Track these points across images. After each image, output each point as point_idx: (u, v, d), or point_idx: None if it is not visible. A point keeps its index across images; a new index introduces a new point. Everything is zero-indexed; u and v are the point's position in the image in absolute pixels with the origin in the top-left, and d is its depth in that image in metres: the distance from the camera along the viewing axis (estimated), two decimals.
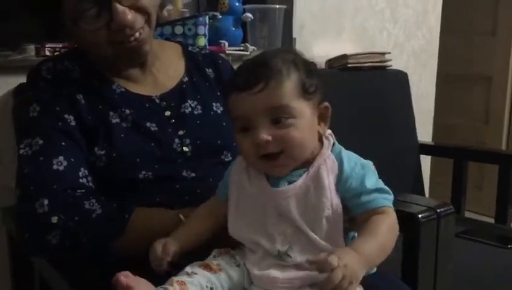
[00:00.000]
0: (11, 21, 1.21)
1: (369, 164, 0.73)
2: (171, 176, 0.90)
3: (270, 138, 0.68)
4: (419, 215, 0.95)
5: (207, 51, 1.14)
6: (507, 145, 2.80)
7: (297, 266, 0.71)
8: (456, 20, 2.72)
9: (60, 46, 1.24)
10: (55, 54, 1.20)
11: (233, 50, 1.56)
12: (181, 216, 0.83)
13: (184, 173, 0.92)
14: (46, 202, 0.80)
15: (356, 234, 0.73)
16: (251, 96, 0.69)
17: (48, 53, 1.24)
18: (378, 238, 0.67)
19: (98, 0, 0.85)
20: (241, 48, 1.61)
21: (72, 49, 1.01)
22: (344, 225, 0.71)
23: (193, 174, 0.92)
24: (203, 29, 1.48)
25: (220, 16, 1.59)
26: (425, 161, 2.14)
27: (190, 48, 1.10)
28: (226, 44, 1.54)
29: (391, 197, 0.71)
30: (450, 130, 2.79)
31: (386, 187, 0.72)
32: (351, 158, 0.72)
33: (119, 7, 0.85)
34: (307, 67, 0.72)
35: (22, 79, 1.17)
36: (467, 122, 2.92)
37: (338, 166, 0.71)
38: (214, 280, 0.72)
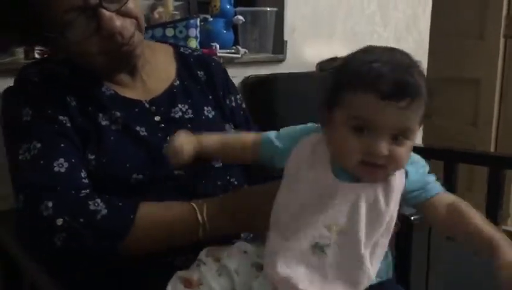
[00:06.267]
0: None
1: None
2: (162, 177, 0.89)
3: (387, 152, 0.67)
4: (412, 218, 0.95)
5: (199, 53, 1.12)
6: (495, 147, 2.82)
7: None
8: (445, 24, 2.74)
9: (49, 48, 1.23)
10: (44, 56, 1.19)
11: (224, 52, 1.56)
12: (194, 205, 0.82)
13: (176, 172, 0.90)
14: (50, 204, 0.79)
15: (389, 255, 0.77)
16: (390, 108, 0.66)
17: (37, 55, 1.23)
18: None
19: (84, 9, 0.83)
20: (233, 50, 1.61)
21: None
22: None
23: (183, 173, 0.91)
24: (194, 32, 1.48)
25: (211, 19, 1.59)
26: None
27: (182, 50, 1.09)
28: (217, 46, 1.54)
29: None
30: (439, 132, 2.81)
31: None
32: (417, 163, 0.75)
33: (106, 13, 0.83)
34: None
35: (11, 82, 1.16)
36: (456, 124, 2.94)
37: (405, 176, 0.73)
38: None
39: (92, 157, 0.87)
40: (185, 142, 0.79)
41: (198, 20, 1.51)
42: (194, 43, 1.47)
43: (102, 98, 0.92)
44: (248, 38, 1.69)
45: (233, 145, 0.82)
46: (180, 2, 1.64)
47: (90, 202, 0.80)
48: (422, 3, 2.18)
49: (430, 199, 0.74)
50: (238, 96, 1.09)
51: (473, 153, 2.05)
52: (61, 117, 0.87)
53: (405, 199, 0.74)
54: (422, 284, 0.99)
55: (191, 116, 0.98)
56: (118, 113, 0.91)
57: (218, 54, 1.53)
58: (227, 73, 1.12)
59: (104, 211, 0.80)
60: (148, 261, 0.83)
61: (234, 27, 1.65)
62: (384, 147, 0.67)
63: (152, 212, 0.83)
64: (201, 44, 1.52)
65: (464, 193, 2.18)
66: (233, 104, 1.07)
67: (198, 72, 1.05)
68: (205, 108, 1.01)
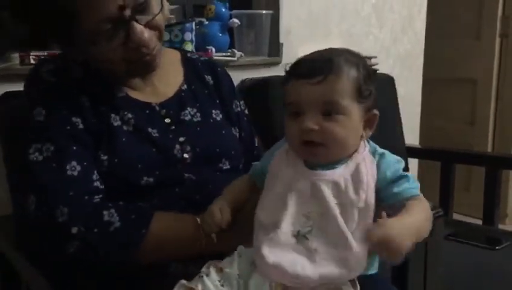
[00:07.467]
0: None
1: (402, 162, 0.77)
2: (171, 179, 0.91)
3: (316, 127, 0.72)
4: None
5: (206, 58, 1.15)
6: (493, 146, 2.83)
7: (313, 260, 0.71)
8: (441, 25, 2.75)
9: (45, 54, 1.23)
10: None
11: (220, 56, 1.56)
12: (198, 220, 0.84)
13: (185, 175, 0.92)
14: (66, 210, 0.80)
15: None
16: (309, 85, 0.73)
17: (32, 61, 1.23)
18: (414, 216, 0.71)
19: (116, 20, 0.85)
20: (228, 53, 1.61)
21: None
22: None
23: (194, 178, 0.93)
24: (189, 35, 1.48)
25: (207, 22, 1.59)
26: (413, 163, 2.15)
27: (189, 55, 1.11)
28: (213, 50, 1.54)
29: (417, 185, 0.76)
30: (437, 132, 2.82)
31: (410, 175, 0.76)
32: (388, 156, 0.77)
33: (138, 26, 0.86)
34: (368, 73, 0.75)
35: (7, 88, 1.16)
36: (453, 124, 2.95)
37: (376, 165, 0.75)
38: None
39: (105, 157, 0.88)
40: (218, 211, 0.82)
41: (194, 23, 1.51)
42: (189, 47, 1.47)
43: (114, 99, 0.94)
44: (244, 41, 1.70)
45: (243, 189, 0.86)
46: (176, 6, 1.64)
47: (105, 212, 0.82)
48: (418, 4, 2.18)
49: (405, 202, 0.73)
50: (241, 102, 1.12)
51: (470, 154, 2.06)
52: (74, 118, 0.88)
53: (381, 197, 0.74)
54: (420, 286, 0.99)
55: (199, 119, 1.00)
56: (130, 115, 0.93)
57: (214, 57, 1.53)
58: (231, 79, 1.14)
59: (118, 224, 0.82)
60: (145, 269, 0.84)
61: (230, 30, 1.65)
62: (311, 122, 0.72)
63: (162, 228, 0.85)
64: (197, 48, 1.52)
65: (461, 193, 2.18)
66: (239, 109, 1.10)
67: (206, 76, 1.07)
68: (213, 111, 1.03)
